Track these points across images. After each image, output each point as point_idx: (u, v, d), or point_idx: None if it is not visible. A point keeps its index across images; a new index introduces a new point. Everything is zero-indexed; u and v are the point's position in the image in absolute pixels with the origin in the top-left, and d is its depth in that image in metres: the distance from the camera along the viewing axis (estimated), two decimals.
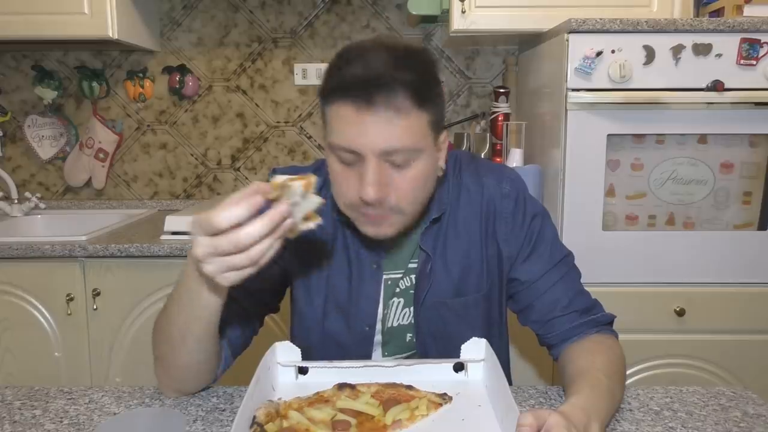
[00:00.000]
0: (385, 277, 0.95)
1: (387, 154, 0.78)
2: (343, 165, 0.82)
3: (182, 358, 0.82)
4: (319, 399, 0.80)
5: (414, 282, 0.95)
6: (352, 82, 0.77)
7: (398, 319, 0.97)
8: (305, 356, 0.88)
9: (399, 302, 0.96)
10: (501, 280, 0.98)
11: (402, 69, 0.77)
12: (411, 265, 0.96)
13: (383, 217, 0.83)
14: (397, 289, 0.96)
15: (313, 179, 0.72)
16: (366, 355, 0.97)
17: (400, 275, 0.96)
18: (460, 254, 0.95)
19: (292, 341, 0.88)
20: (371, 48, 0.79)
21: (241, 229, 0.65)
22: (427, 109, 0.80)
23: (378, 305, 0.96)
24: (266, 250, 0.68)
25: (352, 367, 0.86)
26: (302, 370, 0.87)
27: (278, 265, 0.94)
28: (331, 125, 0.81)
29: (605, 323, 0.94)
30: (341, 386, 0.82)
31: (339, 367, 0.86)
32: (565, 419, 0.64)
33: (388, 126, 0.77)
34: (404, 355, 0.99)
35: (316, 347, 0.96)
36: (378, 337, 0.97)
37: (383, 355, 0.98)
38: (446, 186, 0.96)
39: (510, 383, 0.96)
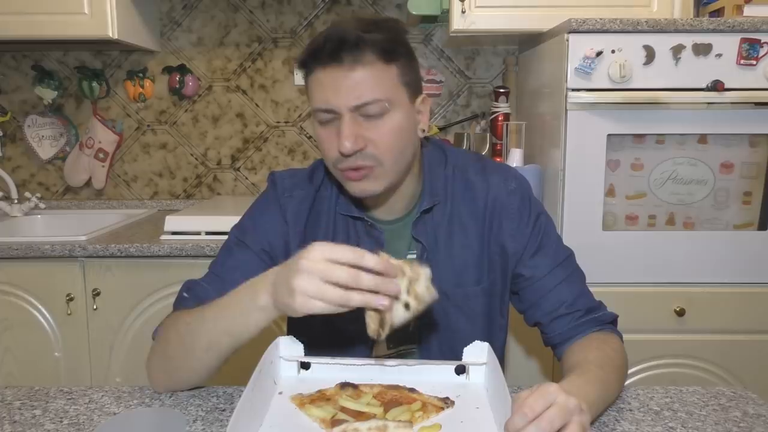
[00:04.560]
0: None
1: (359, 107, 0.84)
2: (324, 127, 0.88)
3: (194, 365, 0.84)
4: (321, 397, 0.80)
5: None
6: (322, 46, 0.84)
7: None
8: (307, 349, 0.88)
9: None
10: (504, 276, 0.99)
11: (367, 30, 0.84)
12: (410, 256, 0.97)
13: (365, 169, 0.87)
14: None
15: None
16: (368, 346, 0.97)
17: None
18: (462, 247, 0.97)
19: (294, 335, 0.88)
20: (342, 20, 0.87)
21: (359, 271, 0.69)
22: (395, 64, 0.86)
23: None
24: (362, 297, 0.70)
25: (354, 365, 0.86)
26: (304, 366, 0.87)
27: (270, 267, 0.95)
28: (311, 93, 0.88)
29: (607, 322, 0.95)
30: (344, 385, 0.82)
31: (341, 364, 0.86)
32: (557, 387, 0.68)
33: (357, 82, 0.84)
34: (406, 347, 0.99)
35: (318, 339, 0.96)
36: None
37: (388, 348, 0.99)
38: (441, 178, 0.98)
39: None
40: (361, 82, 0.83)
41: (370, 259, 0.70)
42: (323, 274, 0.68)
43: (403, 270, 0.73)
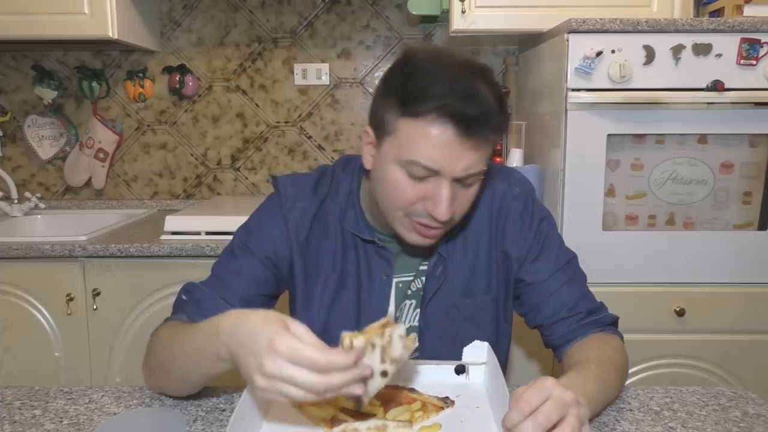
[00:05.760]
0: (395, 280, 0.95)
1: (464, 177, 0.80)
2: (410, 178, 0.81)
3: (176, 386, 0.83)
4: None
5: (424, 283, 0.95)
6: (461, 111, 0.75)
7: (410, 321, 0.97)
8: None
9: (411, 303, 0.97)
10: (508, 282, 0.98)
11: (500, 106, 0.79)
12: (422, 268, 0.96)
13: (437, 230, 0.85)
14: (409, 291, 0.96)
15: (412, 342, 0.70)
16: None
17: (411, 278, 0.96)
18: (470, 256, 0.96)
19: None
20: (469, 72, 0.78)
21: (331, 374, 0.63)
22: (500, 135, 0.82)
23: (387, 313, 0.95)
24: (334, 393, 0.64)
25: None
26: None
27: (273, 275, 0.94)
28: (410, 139, 0.78)
29: (608, 324, 0.95)
30: None
31: None
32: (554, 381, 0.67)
33: (474, 154, 0.79)
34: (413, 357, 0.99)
35: None
36: None
37: None
38: None
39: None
40: (476, 155, 0.79)
41: (339, 360, 0.62)
42: (287, 379, 0.62)
43: (373, 342, 0.67)
